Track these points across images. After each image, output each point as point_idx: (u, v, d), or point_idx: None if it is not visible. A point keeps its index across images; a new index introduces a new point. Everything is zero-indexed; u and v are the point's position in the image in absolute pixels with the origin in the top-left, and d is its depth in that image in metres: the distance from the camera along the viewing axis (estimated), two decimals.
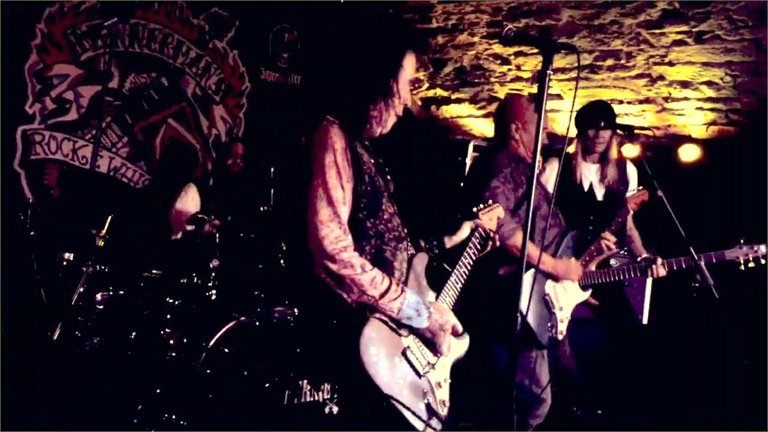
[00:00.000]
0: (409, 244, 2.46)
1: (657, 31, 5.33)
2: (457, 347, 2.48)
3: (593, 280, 3.88)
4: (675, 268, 3.84)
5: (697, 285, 3.83)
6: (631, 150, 5.07)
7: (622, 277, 3.95)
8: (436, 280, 2.55)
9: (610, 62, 5.79)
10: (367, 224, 2.29)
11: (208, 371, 3.60)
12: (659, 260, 3.86)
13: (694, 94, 5.69)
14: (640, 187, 4.04)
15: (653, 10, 5.18)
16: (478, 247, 2.73)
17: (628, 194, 3.99)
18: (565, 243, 3.73)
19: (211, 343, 3.64)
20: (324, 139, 2.22)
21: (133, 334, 3.73)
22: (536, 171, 2.24)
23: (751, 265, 3.80)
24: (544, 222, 3.62)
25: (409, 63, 2.39)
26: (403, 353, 2.25)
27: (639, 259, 4.00)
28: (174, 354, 3.66)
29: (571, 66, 5.90)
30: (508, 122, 3.65)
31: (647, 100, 5.95)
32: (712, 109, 5.76)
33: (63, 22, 4.91)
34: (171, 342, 3.65)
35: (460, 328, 2.41)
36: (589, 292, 3.83)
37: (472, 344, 2.53)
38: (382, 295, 2.16)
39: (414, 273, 2.41)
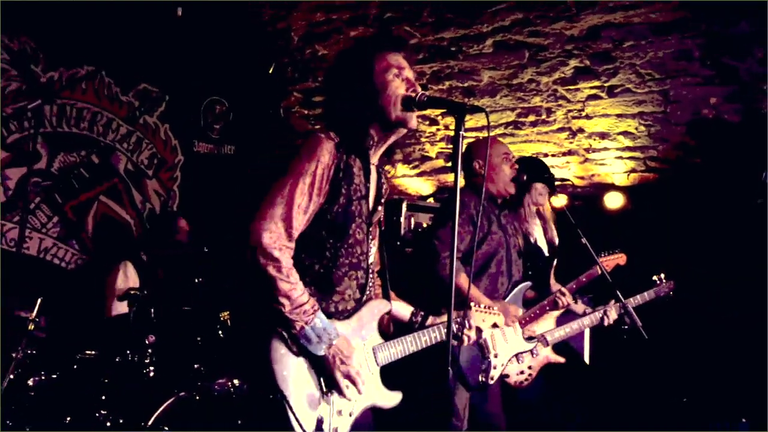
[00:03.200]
0: (368, 275, 2.44)
1: (572, 87, 5.61)
2: (380, 396, 2.46)
3: (556, 337, 3.98)
4: (622, 311, 3.99)
5: (626, 327, 3.96)
6: (558, 200, 5.27)
7: (579, 329, 4.07)
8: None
9: (531, 118, 6.05)
10: (326, 243, 2.29)
11: None
12: (611, 306, 4.01)
13: (612, 144, 5.97)
14: (617, 250, 4.15)
15: (566, 68, 5.47)
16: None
17: (603, 256, 4.07)
18: (515, 293, 3.82)
19: (150, 421, 3.56)
20: (312, 148, 2.23)
21: (68, 419, 3.61)
22: (456, 211, 2.20)
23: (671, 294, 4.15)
24: (496, 268, 3.74)
25: (381, 59, 2.39)
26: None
27: (591, 311, 4.12)
28: None
29: (496, 123, 6.13)
30: (472, 161, 3.85)
31: (570, 152, 6.21)
32: (630, 158, 6.04)
33: None
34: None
35: (360, 380, 2.28)
36: (533, 344, 3.87)
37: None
38: (293, 309, 2.15)
39: (365, 313, 2.41)
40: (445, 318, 2.59)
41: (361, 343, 2.40)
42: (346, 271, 2.35)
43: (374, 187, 2.48)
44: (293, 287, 2.16)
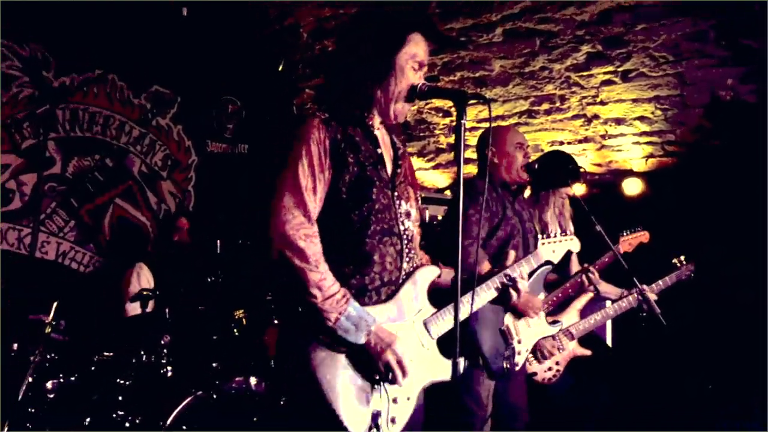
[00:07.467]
0: (403, 240, 2.33)
1: (585, 73, 5.53)
2: (438, 370, 2.34)
3: (581, 330, 3.95)
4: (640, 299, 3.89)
5: (644, 314, 3.89)
6: (577, 189, 5.20)
7: (603, 319, 4.02)
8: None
9: (545, 106, 5.97)
10: (350, 214, 2.23)
11: None
12: (647, 288, 3.93)
13: (629, 130, 5.88)
14: (639, 227, 4.09)
15: (578, 54, 5.39)
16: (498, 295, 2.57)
17: (624, 235, 4.03)
18: (536, 277, 3.75)
19: (169, 421, 3.57)
20: (301, 131, 2.21)
21: (87, 420, 3.64)
22: (461, 199, 2.12)
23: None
24: (514, 252, 3.68)
25: (414, 42, 2.32)
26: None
27: (627, 294, 4.05)
28: None
29: (510, 113, 6.07)
30: (485, 149, 3.78)
31: (586, 139, 6.12)
32: (648, 143, 5.94)
33: (2, 112, 4.93)
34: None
35: (405, 366, 2.18)
36: (557, 327, 3.83)
37: None
38: (325, 299, 2.09)
39: (413, 283, 2.33)
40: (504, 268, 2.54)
41: (410, 321, 2.31)
42: (379, 238, 2.26)
43: (389, 150, 2.41)
44: (323, 277, 2.11)
